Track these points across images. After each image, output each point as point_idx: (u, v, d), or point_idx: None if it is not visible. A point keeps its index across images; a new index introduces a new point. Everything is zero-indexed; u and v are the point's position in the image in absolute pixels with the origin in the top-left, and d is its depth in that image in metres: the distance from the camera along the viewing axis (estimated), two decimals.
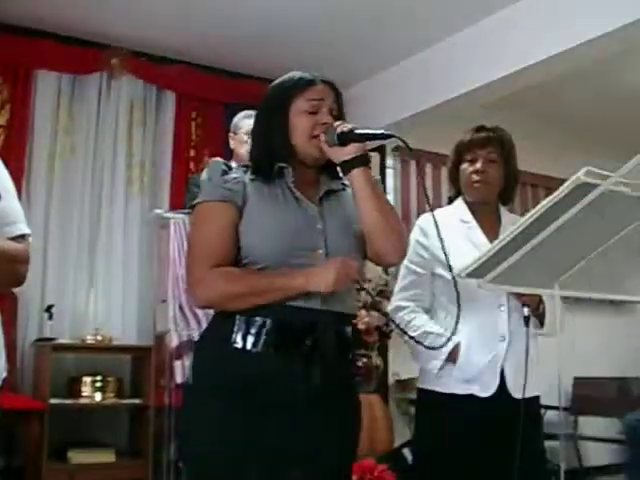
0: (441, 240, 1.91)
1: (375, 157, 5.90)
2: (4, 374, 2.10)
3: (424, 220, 2.57)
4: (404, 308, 2.50)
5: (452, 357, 2.38)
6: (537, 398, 2.49)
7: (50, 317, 4.58)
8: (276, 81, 1.98)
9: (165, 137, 5.37)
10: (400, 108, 5.42)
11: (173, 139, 5.36)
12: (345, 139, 1.82)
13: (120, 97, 5.22)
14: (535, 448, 2.38)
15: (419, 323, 2.46)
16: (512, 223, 2.45)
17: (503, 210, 2.59)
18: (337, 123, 1.85)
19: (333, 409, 1.82)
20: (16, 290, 4.54)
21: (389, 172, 6.19)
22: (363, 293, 5.26)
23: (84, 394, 4.52)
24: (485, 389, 2.35)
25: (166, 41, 5.14)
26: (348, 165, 1.83)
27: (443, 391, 2.41)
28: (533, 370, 2.33)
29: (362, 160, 1.84)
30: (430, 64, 5.22)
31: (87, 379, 4.54)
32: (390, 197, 6.13)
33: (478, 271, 1.98)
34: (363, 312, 5.14)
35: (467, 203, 2.55)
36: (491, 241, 2.41)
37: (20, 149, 4.78)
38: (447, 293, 2.43)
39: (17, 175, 4.72)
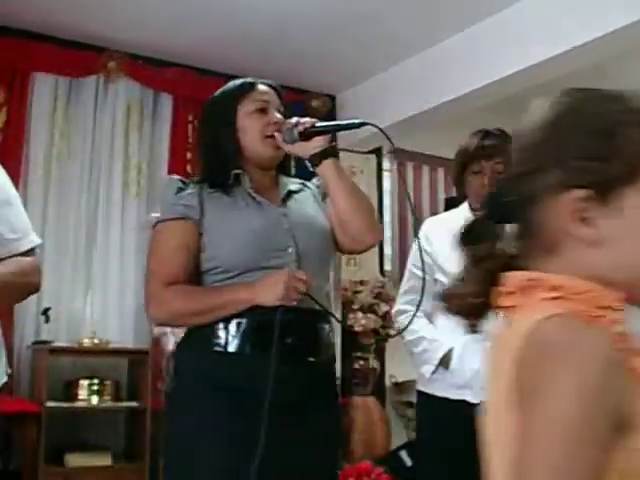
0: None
1: (372, 159, 5.91)
2: (4, 379, 2.11)
3: (428, 225, 2.59)
4: (405, 312, 2.53)
5: (444, 363, 2.38)
6: None
7: (47, 320, 4.58)
8: (216, 91, 2.02)
9: (162, 140, 5.37)
10: (397, 110, 5.41)
11: (170, 142, 5.36)
12: (309, 134, 1.86)
13: (117, 100, 5.22)
14: None
15: (416, 327, 2.47)
16: None
17: None
18: (293, 120, 1.90)
19: (317, 408, 1.84)
20: None
21: (386, 174, 6.20)
22: (359, 296, 5.28)
23: (81, 397, 4.50)
24: (477, 395, 2.32)
25: (163, 44, 5.13)
26: (318, 157, 1.89)
27: (438, 394, 2.42)
28: None
29: (331, 151, 1.91)
30: (428, 66, 5.22)
31: (84, 382, 4.53)
32: (387, 199, 6.13)
33: None
34: (360, 314, 5.15)
35: (472, 209, 2.54)
36: None
37: (17, 152, 4.78)
38: None
39: (14, 178, 4.68)
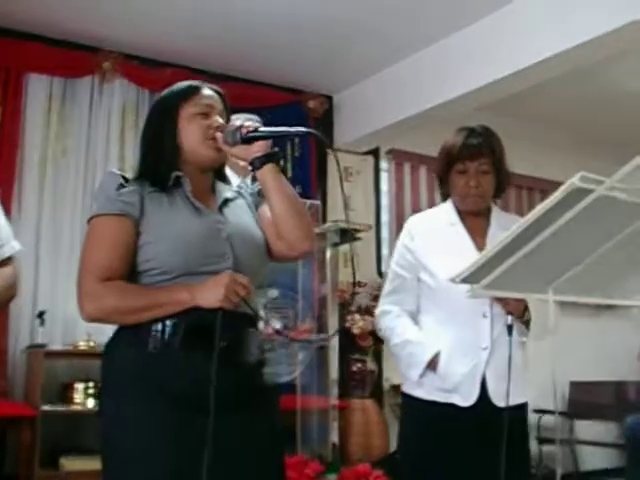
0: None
1: (369, 160, 5.90)
2: None
3: (412, 223, 2.55)
4: (389, 312, 2.48)
5: (432, 366, 2.35)
6: (524, 405, 2.43)
7: (42, 323, 4.55)
8: (162, 92, 2.01)
9: None
10: (395, 111, 5.41)
11: None
12: (251, 138, 1.88)
13: (112, 100, 5.20)
14: (519, 457, 2.31)
15: (401, 330, 2.44)
16: (503, 224, 2.44)
17: (495, 209, 2.54)
18: (237, 122, 1.90)
19: (247, 409, 1.83)
20: None
21: (383, 175, 6.18)
22: (357, 297, 5.26)
23: (76, 400, 4.48)
24: (465, 399, 2.31)
25: (158, 44, 5.12)
26: (259, 162, 1.89)
27: (424, 397, 2.38)
28: (518, 378, 2.30)
29: (272, 156, 1.91)
30: (424, 67, 5.22)
31: (79, 385, 4.51)
32: (384, 199, 6.12)
33: (473, 277, 1.95)
34: (357, 316, 5.13)
35: (456, 206, 2.51)
36: (478, 245, 2.41)
37: (11, 153, 4.75)
38: (432, 298, 2.42)
39: (8, 179, 4.70)
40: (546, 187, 6.54)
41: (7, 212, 4.49)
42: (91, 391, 4.50)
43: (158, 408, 1.74)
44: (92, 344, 4.61)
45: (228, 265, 1.83)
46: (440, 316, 2.41)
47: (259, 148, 1.89)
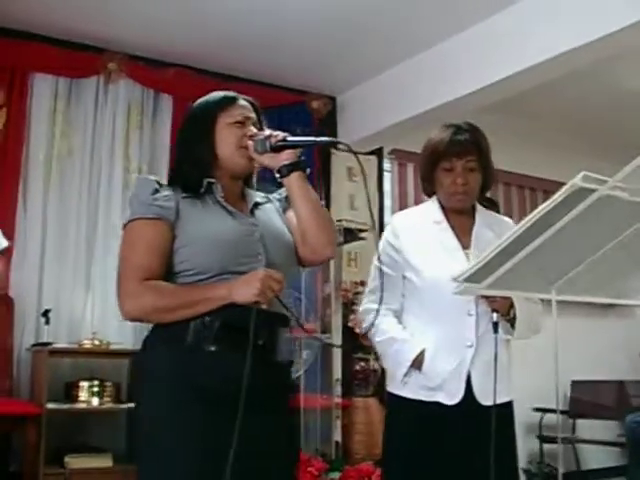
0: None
1: (372, 160, 5.90)
2: None
3: (396, 220, 2.54)
4: (373, 310, 2.40)
5: (416, 365, 2.35)
6: (509, 404, 2.41)
7: (47, 322, 4.54)
8: (199, 100, 2.14)
9: (162, 140, 5.35)
10: (398, 111, 5.42)
11: (170, 142, 5.33)
12: (280, 147, 1.97)
13: (117, 101, 5.20)
14: (505, 456, 2.30)
15: (386, 327, 2.43)
16: (488, 222, 2.47)
17: (479, 208, 2.52)
18: (267, 132, 2.00)
19: (273, 410, 1.90)
20: (12, 294, 4.54)
21: (386, 175, 6.19)
22: (360, 296, 5.26)
23: (81, 399, 4.48)
24: (450, 397, 2.31)
25: (163, 44, 5.12)
26: (286, 170, 1.98)
27: (409, 396, 2.38)
28: (504, 376, 2.31)
29: (299, 165, 2.00)
30: (427, 68, 5.22)
31: (84, 384, 4.51)
32: (387, 200, 6.13)
33: (475, 276, 1.97)
34: None
35: (441, 204, 2.49)
36: (463, 243, 2.41)
37: (17, 153, 4.77)
38: (417, 296, 2.42)
39: (14, 179, 4.72)
40: (549, 187, 6.53)
41: (13, 211, 4.60)
42: (96, 389, 4.50)
43: (192, 407, 1.79)
44: (97, 342, 4.63)
45: (261, 265, 1.90)
46: (425, 314, 2.40)
47: (287, 156, 1.97)
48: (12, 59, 4.79)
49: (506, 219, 2.61)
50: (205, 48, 5.17)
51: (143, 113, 5.30)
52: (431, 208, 2.51)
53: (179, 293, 1.85)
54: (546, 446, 5.93)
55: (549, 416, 5.83)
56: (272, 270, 1.83)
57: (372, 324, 2.32)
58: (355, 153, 2.02)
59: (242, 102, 2.09)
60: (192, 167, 2.00)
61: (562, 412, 6.08)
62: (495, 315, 2.27)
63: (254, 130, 2.03)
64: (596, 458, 6.40)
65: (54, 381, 4.44)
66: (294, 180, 1.98)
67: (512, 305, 2.30)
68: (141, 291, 1.83)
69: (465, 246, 2.40)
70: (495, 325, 2.26)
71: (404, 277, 2.45)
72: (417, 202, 6.14)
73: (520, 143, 6.23)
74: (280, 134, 1.98)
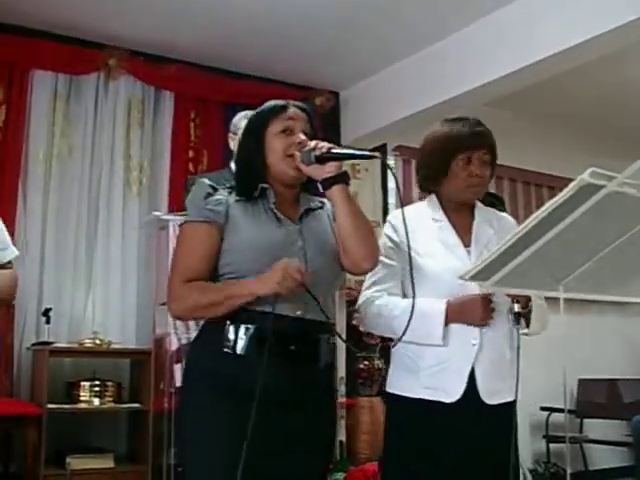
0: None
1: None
2: None
3: (394, 216, 2.49)
4: (377, 297, 2.38)
5: (448, 319, 2.27)
6: (512, 404, 2.33)
7: (47, 321, 4.53)
8: (256, 109, 2.17)
9: (163, 138, 5.32)
10: (402, 107, 5.39)
11: (172, 140, 5.31)
12: (324, 159, 1.99)
13: (117, 98, 5.17)
14: (506, 456, 2.26)
15: (397, 301, 2.34)
16: (487, 218, 2.45)
17: (478, 205, 2.50)
18: (313, 143, 2.01)
19: (311, 412, 1.98)
20: None
21: (390, 172, 6.14)
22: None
23: (82, 399, 4.46)
24: (451, 395, 2.25)
25: (164, 41, 5.09)
26: (329, 182, 2.01)
27: (410, 396, 2.33)
28: (509, 375, 2.27)
29: (342, 177, 2.02)
30: (430, 63, 5.20)
31: (85, 384, 4.48)
32: (391, 198, 6.09)
33: (482, 274, 1.93)
34: None
35: (440, 201, 2.47)
36: (463, 240, 2.38)
37: (16, 151, 4.74)
38: (418, 293, 2.33)
39: (13, 177, 4.70)
40: (554, 183, 6.50)
41: (13, 209, 4.57)
42: (97, 389, 4.48)
43: (232, 409, 1.88)
44: (98, 342, 4.60)
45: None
46: None
47: (330, 169, 1.99)
48: (11, 55, 4.76)
49: (505, 215, 2.59)
50: (206, 44, 5.14)
51: (144, 110, 5.27)
52: (429, 207, 2.48)
53: (217, 290, 1.94)
54: (552, 446, 5.88)
55: (555, 415, 5.79)
56: (292, 260, 1.88)
57: (381, 305, 2.32)
58: (390, 168, 2.18)
59: (292, 109, 2.11)
60: (247, 174, 2.08)
61: (569, 411, 6.03)
62: (516, 305, 2.24)
63: (302, 137, 2.05)
64: (604, 458, 6.35)
65: (55, 381, 4.43)
66: (336, 193, 2.02)
67: (529, 299, 2.27)
68: (185, 292, 1.95)
69: (466, 244, 2.38)
70: (517, 316, 2.23)
71: (404, 269, 2.38)
72: (421, 199, 6.10)
73: (526, 139, 6.19)
74: (325, 145, 2.00)
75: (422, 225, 2.42)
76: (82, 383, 4.49)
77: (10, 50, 4.73)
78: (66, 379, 4.58)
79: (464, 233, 2.40)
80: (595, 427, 6.18)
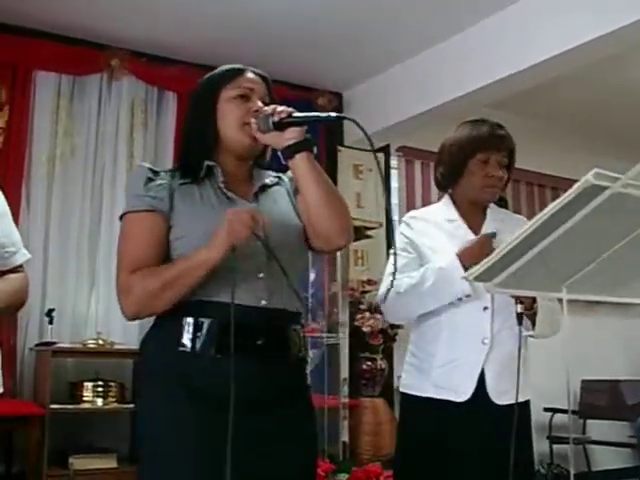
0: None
1: (380, 157, 5.86)
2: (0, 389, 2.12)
3: (409, 218, 2.52)
4: (398, 285, 2.34)
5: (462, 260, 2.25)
6: (525, 404, 2.35)
7: (50, 321, 4.53)
8: (204, 76, 1.94)
9: (167, 138, 5.32)
10: (405, 108, 5.39)
11: (175, 140, 5.31)
12: (284, 124, 1.76)
13: (121, 98, 5.17)
14: (520, 458, 2.25)
15: (414, 274, 2.34)
16: (499, 218, 2.47)
17: (491, 206, 2.52)
18: (269, 108, 1.80)
19: (285, 412, 1.79)
20: None
21: (393, 172, 6.14)
22: (367, 296, 5.22)
23: (85, 399, 4.46)
24: (460, 394, 2.27)
25: (167, 41, 5.09)
26: (290, 150, 1.78)
27: (421, 395, 2.34)
28: (520, 375, 2.27)
29: (305, 144, 1.79)
30: (433, 64, 5.19)
31: (88, 384, 4.49)
32: (394, 197, 6.08)
33: (485, 274, 1.92)
34: (368, 315, 5.10)
35: (454, 202, 2.49)
36: None
37: (19, 151, 4.74)
38: None
39: (17, 178, 4.69)
40: (557, 184, 6.51)
41: (16, 210, 4.57)
42: (100, 389, 4.48)
43: (190, 408, 1.69)
44: (101, 342, 4.60)
45: (261, 256, 1.76)
46: (439, 310, 2.35)
47: (292, 134, 1.77)
48: (14, 56, 4.76)
49: (518, 216, 2.63)
50: (209, 45, 5.13)
51: (147, 110, 5.27)
52: (443, 207, 2.51)
53: (164, 270, 1.72)
54: (556, 447, 5.87)
55: (558, 416, 5.77)
56: (239, 208, 1.71)
57: (390, 286, 2.22)
58: (363, 129, 1.75)
59: (250, 75, 1.89)
60: (193, 148, 1.86)
61: (572, 412, 6.02)
62: (519, 306, 2.21)
63: (259, 104, 1.84)
64: (607, 459, 6.34)
65: (58, 381, 4.43)
66: (300, 162, 1.78)
67: (535, 300, 2.26)
68: (132, 281, 1.72)
69: None
70: (519, 316, 2.20)
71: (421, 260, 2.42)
72: (424, 199, 6.10)
73: (529, 140, 6.13)
74: (285, 109, 1.77)
75: (437, 225, 2.44)
76: (85, 383, 4.49)
77: (13, 51, 4.73)
78: (69, 379, 4.59)
79: (477, 233, 2.42)
80: (598, 428, 6.17)
